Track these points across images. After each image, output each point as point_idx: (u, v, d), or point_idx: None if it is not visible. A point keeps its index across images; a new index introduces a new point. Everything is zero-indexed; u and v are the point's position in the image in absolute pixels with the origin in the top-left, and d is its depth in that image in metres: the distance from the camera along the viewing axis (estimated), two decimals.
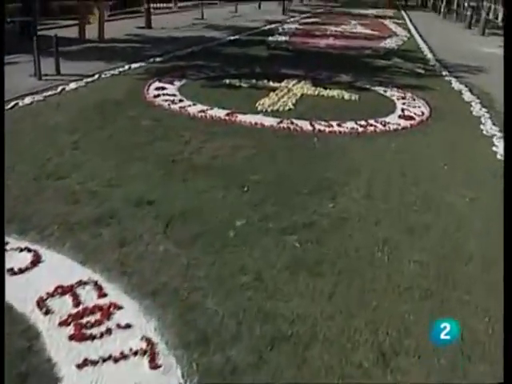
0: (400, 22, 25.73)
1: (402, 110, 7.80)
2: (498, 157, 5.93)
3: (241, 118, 6.71)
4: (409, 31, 21.05)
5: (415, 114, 7.61)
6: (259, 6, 30.41)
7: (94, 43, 13.37)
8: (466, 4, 24.71)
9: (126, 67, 10.28)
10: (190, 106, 7.23)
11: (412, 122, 7.18)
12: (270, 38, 16.07)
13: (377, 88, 9.30)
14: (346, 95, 8.38)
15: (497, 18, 22.08)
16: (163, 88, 8.28)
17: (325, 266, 3.44)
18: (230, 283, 3.24)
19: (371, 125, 6.80)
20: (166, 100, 7.53)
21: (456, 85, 10.34)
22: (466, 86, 10.09)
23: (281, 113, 7.16)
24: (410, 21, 26.37)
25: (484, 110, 8.21)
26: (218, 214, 4.14)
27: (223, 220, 4.03)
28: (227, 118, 6.70)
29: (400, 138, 6.47)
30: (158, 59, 11.36)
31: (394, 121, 7.11)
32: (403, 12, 33.24)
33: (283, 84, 8.81)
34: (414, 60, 13.22)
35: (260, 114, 6.97)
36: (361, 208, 4.33)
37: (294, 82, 9.06)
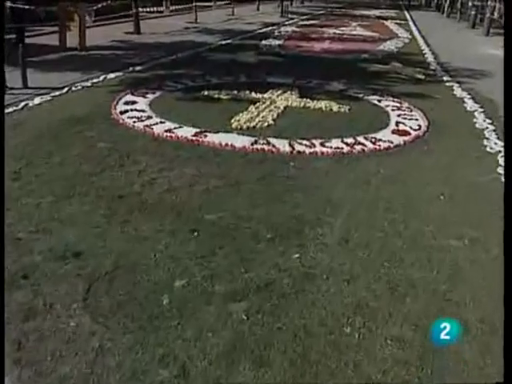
0: (402, 22, 24.91)
1: (397, 123, 6.99)
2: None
3: (210, 138, 5.93)
4: (410, 32, 20.23)
5: (411, 127, 6.80)
6: (258, 8, 29.63)
7: (74, 51, 12.60)
8: (469, 3, 23.80)
9: (102, 78, 9.53)
10: (157, 123, 6.46)
11: (407, 137, 6.38)
12: (263, 42, 15.30)
13: (371, 97, 8.49)
14: (335, 107, 7.57)
15: (501, 18, 21.16)
16: (134, 102, 7.52)
17: (274, 351, 2.65)
18: (145, 380, 2.44)
19: (359, 143, 6.00)
20: (133, 117, 6.77)
21: (458, 91, 9.53)
22: (469, 93, 9.28)
23: (258, 130, 6.38)
24: (413, 21, 25.53)
25: (488, 121, 7.41)
26: (154, 270, 3.35)
27: (159, 280, 3.25)
28: (195, 138, 5.93)
29: (391, 159, 5.66)
30: (138, 68, 10.60)
31: (386, 137, 6.31)
32: (406, 12, 32.40)
33: (266, 95, 8.02)
34: (414, 64, 12.39)
35: (233, 133, 6.19)
36: (333, 259, 3.53)
37: (279, 92, 8.27)
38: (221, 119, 6.74)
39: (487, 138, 6.64)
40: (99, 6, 15.00)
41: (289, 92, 8.31)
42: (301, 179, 4.92)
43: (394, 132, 6.58)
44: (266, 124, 6.59)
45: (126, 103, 7.49)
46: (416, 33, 20.25)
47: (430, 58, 13.84)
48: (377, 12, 31.92)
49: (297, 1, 39.06)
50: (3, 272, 2.89)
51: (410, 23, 24.65)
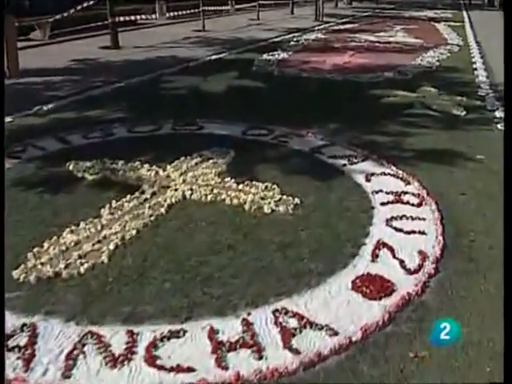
0: (457, 24, 20.82)
1: (377, 246, 3.35)
2: None
3: None
4: (464, 37, 16.19)
5: (401, 264, 3.22)
6: (292, 11, 26.13)
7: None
8: None
9: None
10: None
11: (379, 305, 2.73)
12: (263, 57, 11.79)
13: (358, 166, 4.88)
14: (271, 202, 4.01)
15: None
16: None
17: None
18: None
19: (237, 343, 2.41)
20: None
21: None
22: None
23: (62, 283, 2.89)
24: (470, 23, 21.34)
25: None
26: None
27: None
28: None
29: None
30: (48, 107, 7.40)
31: (326, 310, 2.71)
32: (465, 12, 28.01)
33: (167, 171, 4.59)
34: (456, 87, 8.61)
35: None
36: None
37: (195, 161, 4.86)
38: (20, 248, 3.30)
39: None
40: (57, 17, 11.82)
41: (212, 161, 4.76)
42: None
43: (357, 284, 2.96)
44: (87, 265, 3.10)
45: None
46: (470, 38, 16.23)
47: (481, 75, 9.97)
48: (431, 13, 27.83)
49: (343, 2, 35.36)
50: (3, 270, 2.63)
51: (467, 25, 20.54)
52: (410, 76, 9.81)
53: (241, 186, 4.26)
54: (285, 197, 4.10)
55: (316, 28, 19.38)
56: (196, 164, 4.76)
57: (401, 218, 3.86)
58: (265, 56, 11.93)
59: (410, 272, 3.18)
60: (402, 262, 3.28)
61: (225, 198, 4.08)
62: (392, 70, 10.17)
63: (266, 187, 4.25)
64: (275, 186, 4.28)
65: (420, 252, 3.40)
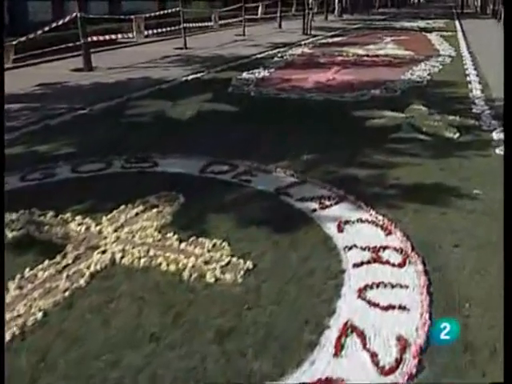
0: (450, 34, 20.23)
1: (340, 339, 2.77)
2: None
3: None
4: (457, 48, 15.55)
5: (373, 359, 2.52)
6: (280, 25, 25.52)
7: None
8: None
9: None
10: None
11: None
12: (243, 75, 11.08)
13: (329, 212, 4.12)
14: (216, 268, 3.33)
15: None
16: None
17: None
18: None
19: None
20: None
21: None
22: None
23: None
24: (463, 32, 20.72)
25: None
26: None
27: None
28: None
29: None
30: None
31: None
32: (457, 21, 27.46)
33: (96, 228, 3.82)
34: (448, 104, 7.86)
35: None
36: None
37: (136, 211, 4.10)
38: None
39: None
40: (22, 39, 11.08)
41: (156, 210, 4.00)
42: None
43: None
44: None
45: None
46: (463, 48, 15.57)
47: (475, 89, 9.24)
48: (422, 23, 27.33)
49: (333, 14, 34.93)
50: (3, 268, 2.61)
51: (459, 35, 19.92)
52: (399, 93, 9.08)
53: (183, 245, 3.48)
54: (235, 259, 3.31)
55: (303, 42, 18.75)
56: (137, 214, 3.97)
57: (377, 285, 3.06)
58: (244, 75, 11.22)
59: (383, 372, 2.38)
60: (374, 355, 2.49)
61: (161, 263, 3.28)
62: (379, 87, 9.45)
63: (214, 246, 3.47)
64: (225, 244, 3.49)
65: (399, 339, 2.60)
